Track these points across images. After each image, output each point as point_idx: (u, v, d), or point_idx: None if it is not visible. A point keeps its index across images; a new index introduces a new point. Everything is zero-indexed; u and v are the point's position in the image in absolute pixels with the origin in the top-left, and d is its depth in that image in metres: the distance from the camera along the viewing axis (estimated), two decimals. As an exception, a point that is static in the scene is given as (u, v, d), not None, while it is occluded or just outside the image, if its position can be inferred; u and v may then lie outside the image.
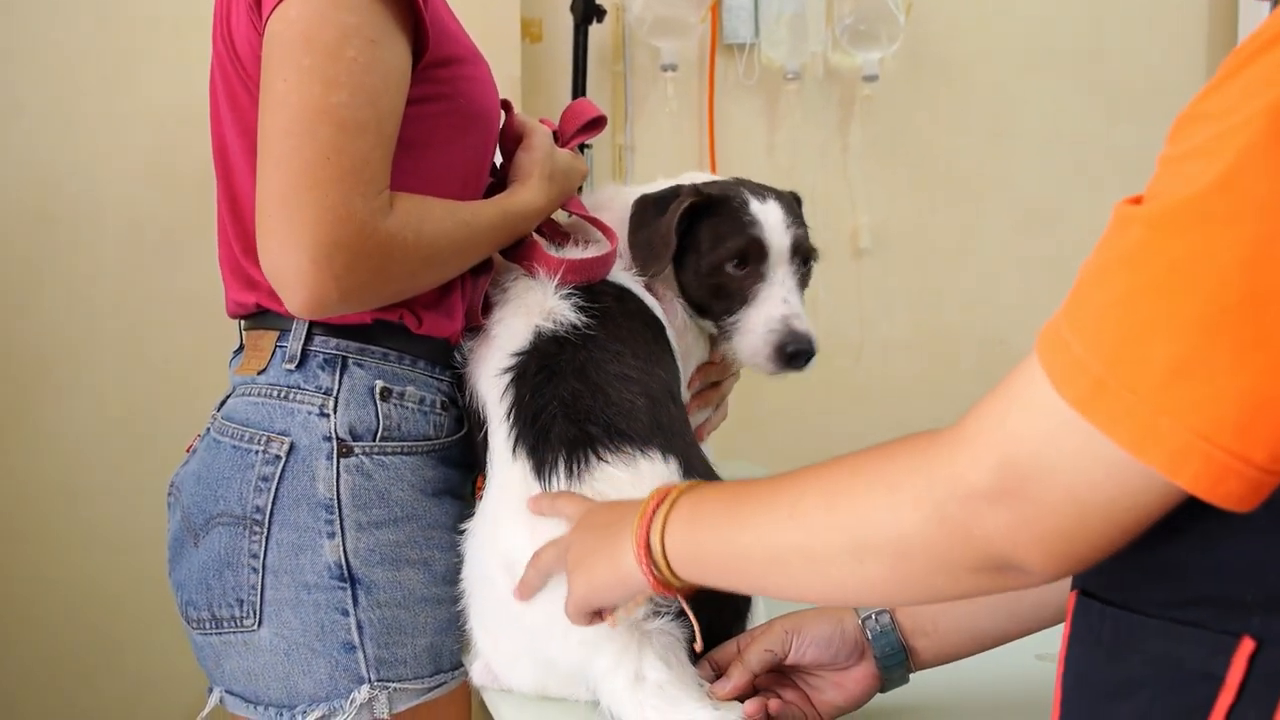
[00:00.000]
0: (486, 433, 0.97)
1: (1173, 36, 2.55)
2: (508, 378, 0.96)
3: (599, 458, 0.89)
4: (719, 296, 1.09)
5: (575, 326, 0.97)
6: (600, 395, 0.92)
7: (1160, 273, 0.48)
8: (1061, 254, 2.54)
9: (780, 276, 1.08)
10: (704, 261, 1.08)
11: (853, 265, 2.48)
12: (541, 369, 0.95)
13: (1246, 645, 0.51)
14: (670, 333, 1.07)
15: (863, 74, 2.32)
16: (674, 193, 1.09)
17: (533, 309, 0.99)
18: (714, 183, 1.13)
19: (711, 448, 1.22)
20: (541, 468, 0.90)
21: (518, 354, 0.97)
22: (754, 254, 1.07)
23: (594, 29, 2.08)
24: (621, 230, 1.09)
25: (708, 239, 1.08)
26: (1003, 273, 2.56)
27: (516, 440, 0.92)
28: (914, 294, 2.52)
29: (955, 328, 2.55)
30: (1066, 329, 0.51)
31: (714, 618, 0.87)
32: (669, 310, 1.10)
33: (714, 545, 0.71)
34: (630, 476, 0.88)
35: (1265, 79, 0.47)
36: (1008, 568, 0.55)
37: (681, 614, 0.84)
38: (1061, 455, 0.50)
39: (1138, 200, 0.52)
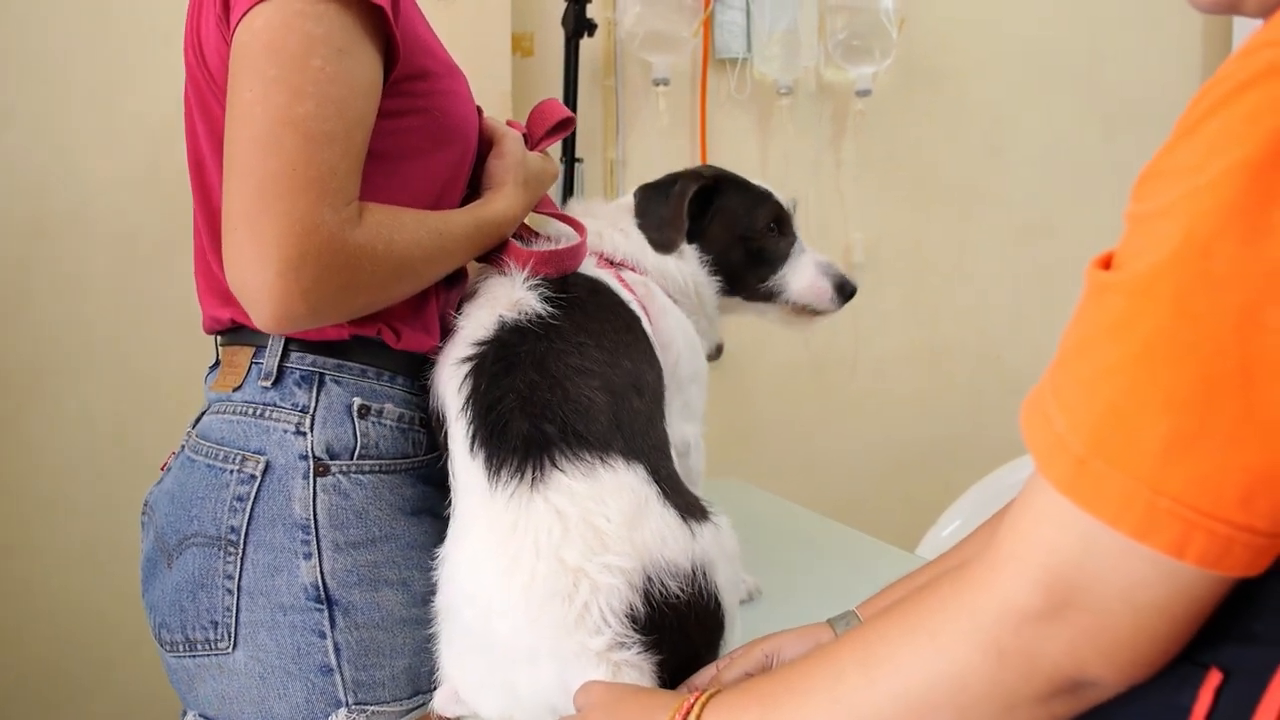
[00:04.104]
0: (447, 434, 0.95)
1: (1167, 50, 2.55)
2: (467, 367, 0.94)
3: (555, 466, 0.86)
4: (760, 261, 1.23)
5: (539, 316, 0.95)
6: (558, 389, 0.90)
7: (1145, 345, 0.47)
8: (1057, 268, 2.53)
9: (798, 236, 1.27)
10: (744, 231, 1.22)
11: (846, 280, 2.47)
12: (500, 359, 0.93)
13: (1214, 677, 0.50)
14: (645, 322, 1.06)
15: (856, 89, 2.32)
16: (672, 179, 1.21)
17: (499, 300, 0.98)
18: (705, 168, 1.27)
19: (703, 465, 1.20)
20: (496, 465, 0.88)
21: (479, 344, 0.95)
22: (783, 219, 1.25)
23: (585, 43, 2.07)
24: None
25: (740, 212, 1.22)
26: (997, 287, 2.55)
27: (474, 435, 0.90)
28: (908, 309, 2.51)
29: (949, 343, 2.53)
30: (1052, 405, 0.50)
31: (684, 643, 0.85)
32: (646, 298, 1.10)
33: None
34: (588, 489, 0.85)
35: (1231, 135, 0.46)
36: (1079, 687, 0.52)
37: (648, 645, 0.83)
38: (1106, 557, 0.48)
39: (1107, 261, 0.51)
